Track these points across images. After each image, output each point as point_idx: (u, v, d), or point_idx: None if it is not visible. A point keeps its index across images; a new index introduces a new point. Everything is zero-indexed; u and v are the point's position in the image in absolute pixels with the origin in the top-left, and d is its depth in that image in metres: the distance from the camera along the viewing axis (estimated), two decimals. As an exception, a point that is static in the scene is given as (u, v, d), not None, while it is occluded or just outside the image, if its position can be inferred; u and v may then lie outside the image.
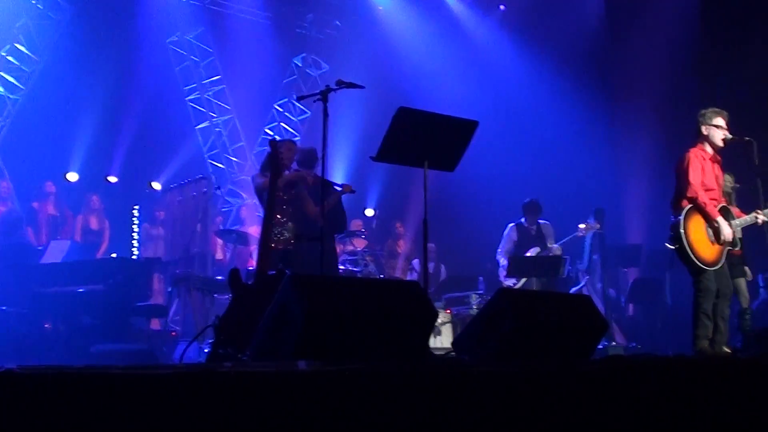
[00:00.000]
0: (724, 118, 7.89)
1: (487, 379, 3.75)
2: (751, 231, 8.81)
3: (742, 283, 8.93)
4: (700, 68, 14.28)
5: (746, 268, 9.11)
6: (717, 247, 7.64)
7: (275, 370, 3.36)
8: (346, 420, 3.28)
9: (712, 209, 7.64)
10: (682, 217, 7.54)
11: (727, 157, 8.72)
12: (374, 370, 3.50)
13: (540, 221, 11.70)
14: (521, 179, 14.00)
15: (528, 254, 11.41)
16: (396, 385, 3.47)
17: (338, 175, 14.82)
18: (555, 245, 11.56)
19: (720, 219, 7.64)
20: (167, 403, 2.97)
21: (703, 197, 7.60)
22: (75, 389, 2.88)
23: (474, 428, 3.56)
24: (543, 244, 11.53)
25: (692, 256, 7.47)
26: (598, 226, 11.76)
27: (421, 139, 6.45)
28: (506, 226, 11.81)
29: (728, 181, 9.04)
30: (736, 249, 7.85)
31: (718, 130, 7.85)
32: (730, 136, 8.02)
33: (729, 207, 7.95)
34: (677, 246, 7.55)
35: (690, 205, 7.61)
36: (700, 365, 4.90)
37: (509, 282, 11.34)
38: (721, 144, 7.87)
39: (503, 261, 11.56)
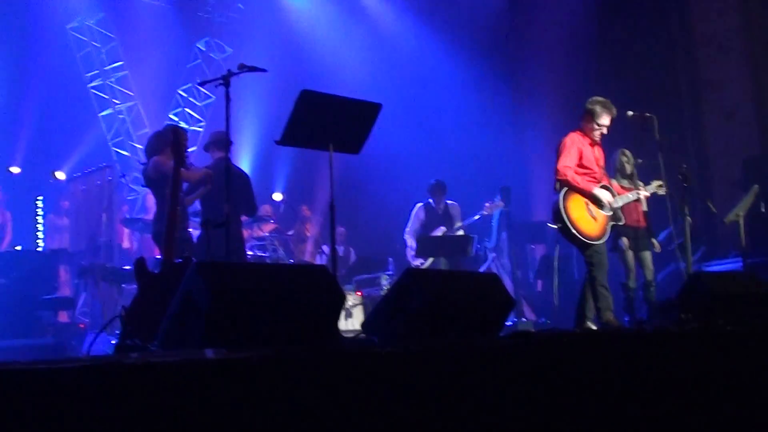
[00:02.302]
0: (610, 115, 8.15)
1: (395, 359, 3.77)
2: (656, 203, 9.07)
3: (647, 256, 9.13)
4: (601, 46, 14.53)
5: (654, 240, 9.34)
6: (600, 221, 7.89)
7: (181, 359, 3.33)
8: (255, 406, 3.28)
9: (585, 183, 7.92)
10: (560, 197, 7.77)
11: (628, 134, 8.93)
12: (282, 356, 3.49)
13: (447, 202, 11.81)
14: (427, 160, 14.09)
15: (434, 234, 11.51)
16: (304, 370, 3.48)
17: (245, 159, 14.72)
18: (461, 224, 11.68)
19: (596, 189, 7.88)
20: (73, 397, 2.93)
21: (572, 177, 7.87)
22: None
23: (384, 408, 3.58)
24: (450, 224, 11.64)
25: (575, 232, 7.67)
26: (503, 204, 11.91)
27: (325, 122, 6.46)
28: (414, 206, 11.89)
29: (628, 157, 9.23)
30: (621, 222, 8.09)
31: (599, 128, 8.14)
32: (631, 113, 8.29)
33: (610, 186, 8.18)
34: (560, 225, 7.76)
35: (566, 187, 7.88)
36: (605, 338, 5.00)
37: (417, 262, 11.44)
38: (597, 140, 8.21)
39: (411, 241, 11.65)
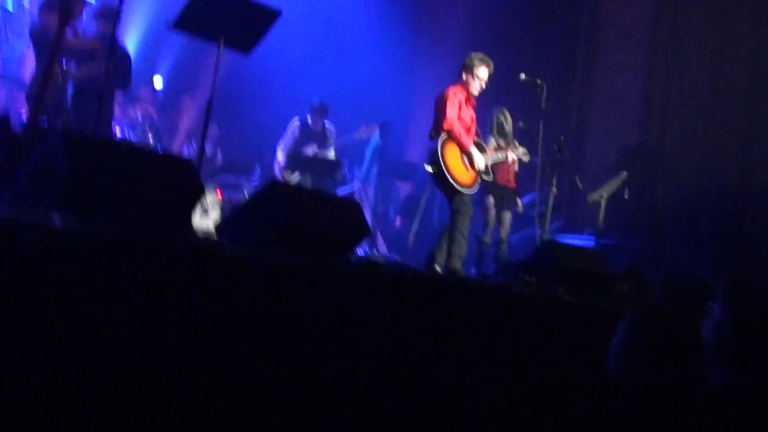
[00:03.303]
0: (488, 69, 8.33)
1: (243, 264, 3.80)
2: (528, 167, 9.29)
3: (508, 216, 9.33)
4: (508, 4, 14.60)
5: (518, 201, 9.56)
6: (472, 172, 8.08)
7: (31, 221, 3.28)
8: (93, 280, 3.26)
9: (466, 140, 8.14)
10: (439, 142, 7.92)
11: (515, 95, 9.08)
12: (130, 235, 3.48)
13: (326, 124, 11.79)
14: (314, 79, 13.95)
15: (305, 152, 11.50)
16: (150, 254, 3.47)
17: (132, 36, 14.29)
18: (334, 144, 11.72)
19: (473, 149, 8.13)
20: None
21: (457, 129, 8.06)
22: None
23: (221, 311, 3.61)
24: (323, 145, 11.64)
25: (449, 178, 7.85)
26: (377, 128, 11.95)
27: (221, 15, 6.43)
28: (290, 121, 11.83)
29: (506, 117, 9.39)
30: (489, 178, 8.30)
31: (476, 80, 8.30)
32: (523, 76, 8.48)
33: (482, 143, 8.39)
34: (435, 170, 7.92)
35: (445, 135, 7.99)
36: (446, 284, 5.13)
37: (282, 177, 11.42)
38: (475, 93, 8.37)
39: (281, 155, 11.61)
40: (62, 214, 3.82)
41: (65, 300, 3.13)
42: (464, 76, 8.29)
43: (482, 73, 8.26)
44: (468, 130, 8.25)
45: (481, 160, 8.18)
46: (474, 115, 8.43)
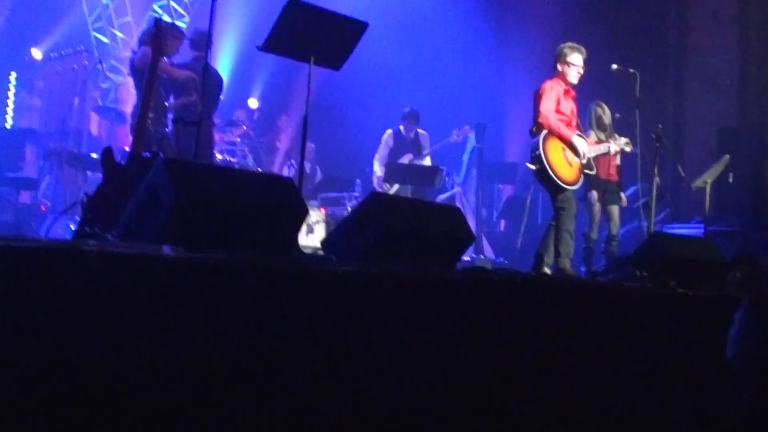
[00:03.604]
0: (581, 55, 8.20)
1: (350, 278, 3.80)
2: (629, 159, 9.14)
3: (615, 210, 9.24)
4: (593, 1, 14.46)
5: (622, 194, 9.43)
6: (575, 167, 7.95)
7: (138, 252, 3.34)
8: (206, 307, 3.30)
9: (566, 130, 7.98)
10: (540, 139, 7.82)
11: (609, 87, 8.94)
12: (237, 261, 3.51)
13: (418, 130, 11.80)
14: (406, 87, 14.00)
15: (401, 161, 11.51)
16: (259, 277, 3.50)
17: (224, 61, 14.56)
18: (428, 151, 11.70)
19: (575, 137, 7.97)
20: (26, 277, 2.93)
21: (554, 123, 7.92)
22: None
23: (332, 324, 3.62)
24: (418, 153, 11.65)
25: (552, 175, 7.74)
26: (470, 130, 11.91)
27: (309, 34, 6.42)
28: (384, 132, 11.88)
29: (604, 110, 9.28)
30: (593, 171, 8.16)
31: (572, 67, 8.19)
32: (615, 66, 8.34)
33: (582, 135, 8.24)
34: (538, 166, 7.81)
35: (546, 131, 7.87)
36: (557, 285, 5.06)
37: (381, 189, 11.46)
38: (574, 81, 8.27)
39: (378, 167, 11.66)
40: (171, 243, 3.88)
41: (182, 329, 3.18)
42: (559, 67, 8.19)
43: (576, 59, 8.16)
44: (568, 123, 8.12)
45: (584, 146, 8.03)
46: (575, 108, 8.30)
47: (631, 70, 8.80)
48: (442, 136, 12.09)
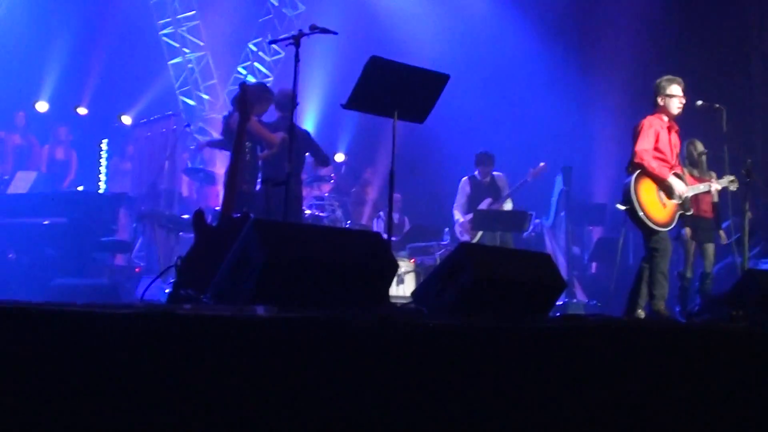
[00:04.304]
0: (679, 85, 8.02)
1: (443, 331, 3.80)
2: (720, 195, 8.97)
3: (710, 248, 9.09)
4: (672, 28, 14.33)
5: (721, 232, 9.28)
6: (669, 208, 7.79)
7: (232, 314, 3.38)
8: (301, 367, 3.32)
9: (661, 170, 7.79)
10: (632, 179, 7.68)
11: (695, 123, 8.82)
12: (331, 319, 3.53)
13: (494, 173, 11.72)
14: (491, 133, 14.01)
15: (481, 207, 11.42)
16: (353, 335, 3.51)
17: (309, 119, 14.77)
18: (508, 191, 11.60)
19: (672, 177, 7.79)
20: (125, 342, 2.99)
21: (648, 162, 7.75)
22: (33, 325, 2.89)
23: (427, 379, 3.61)
24: (497, 196, 11.56)
25: (644, 217, 7.60)
26: (545, 166, 11.78)
27: (391, 90, 6.44)
28: (460, 179, 11.85)
29: (696, 147, 9.16)
30: (689, 212, 7.99)
31: (673, 99, 8.00)
32: (700, 103, 8.17)
33: (682, 175, 8.07)
34: (628, 207, 7.68)
35: (639, 170, 7.73)
36: (652, 329, 4.97)
37: (465, 237, 11.42)
38: (676, 112, 8.04)
39: (458, 215, 11.63)
40: (264, 303, 3.93)
41: (277, 389, 3.20)
42: (659, 101, 8.01)
43: (675, 89, 7.98)
44: (667, 161, 7.94)
45: (681, 187, 7.83)
46: (678, 142, 8.16)
47: (717, 106, 8.65)
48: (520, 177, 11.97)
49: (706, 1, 14.10)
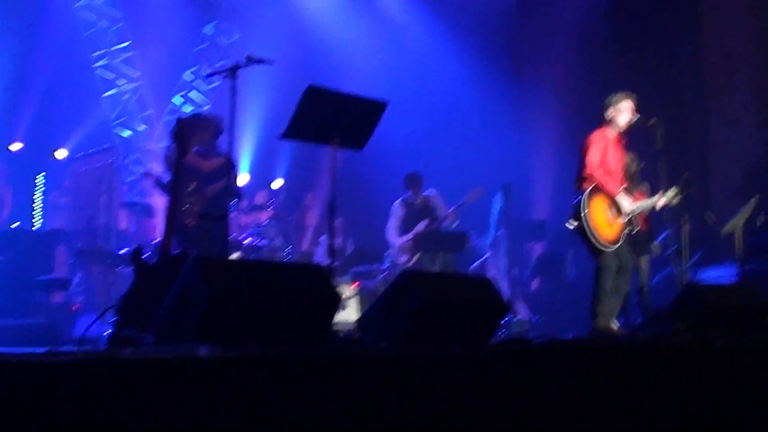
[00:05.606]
0: (632, 101, 8.08)
1: (387, 362, 3.79)
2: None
3: (644, 260, 9.13)
4: (607, 50, 14.51)
5: (655, 243, 9.37)
6: (616, 227, 7.82)
7: (174, 356, 3.35)
8: (247, 405, 3.29)
9: (611, 186, 7.84)
10: (583, 197, 7.68)
11: (630, 137, 8.92)
12: (274, 356, 3.51)
13: (426, 193, 11.67)
14: (428, 155, 14.06)
15: (417, 229, 11.37)
16: (296, 370, 3.49)
17: (246, 146, 14.72)
18: (449, 210, 11.52)
19: (620, 195, 7.84)
20: (66, 391, 2.95)
21: (599, 176, 7.79)
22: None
23: (373, 411, 3.60)
24: (432, 216, 11.51)
25: (591, 236, 7.62)
26: (482, 190, 11.73)
27: (330, 118, 6.42)
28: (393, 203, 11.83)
29: (632, 161, 9.24)
30: (635, 230, 8.03)
31: (624, 113, 8.03)
32: (636, 118, 8.21)
33: (630, 191, 8.14)
34: (577, 224, 7.70)
35: (591, 186, 7.77)
36: (596, 348, 5.01)
37: (403, 258, 11.40)
38: (624, 127, 8.06)
39: (393, 238, 11.60)
40: (208, 341, 3.90)
41: (224, 429, 3.18)
42: (609, 113, 8.04)
43: (625, 104, 8.04)
44: (616, 176, 8.00)
45: (627, 206, 7.86)
46: (625, 157, 8.23)
47: (652, 120, 8.72)
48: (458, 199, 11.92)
49: (639, 19, 14.28)
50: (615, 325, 7.91)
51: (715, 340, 5.49)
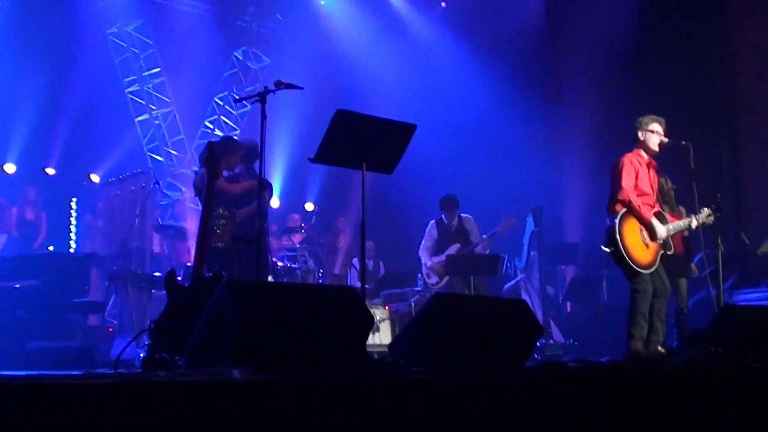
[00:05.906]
0: (660, 124, 8.08)
1: (420, 385, 3.79)
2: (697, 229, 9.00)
3: (683, 282, 9.07)
4: (639, 71, 14.45)
5: (692, 266, 9.30)
6: (651, 249, 7.78)
7: (208, 379, 3.36)
8: (279, 427, 3.30)
9: (645, 211, 7.81)
10: (617, 221, 7.64)
11: (663, 160, 8.88)
12: (308, 379, 3.51)
13: (462, 216, 11.65)
14: (460, 178, 14.03)
15: (449, 251, 11.37)
16: (330, 393, 3.50)
17: (278, 169, 14.78)
18: (483, 237, 11.53)
19: (654, 220, 7.80)
20: (101, 412, 2.97)
21: (635, 200, 7.76)
22: (7, 398, 2.86)
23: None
24: (465, 240, 11.49)
25: (627, 259, 7.58)
26: (515, 221, 11.74)
27: (359, 142, 6.44)
28: (428, 223, 11.82)
29: (664, 183, 9.18)
30: (671, 251, 7.98)
31: (653, 135, 8.02)
32: (666, 140, 8.16)
33: (663, 212, 8.09)
34: (612, 249, 7.65)
35: (624, 209, 7.74)
36: (632, 371, 4.98)
37: (433, 279, 11.37)
38: (656, 149, 8.05)
39: (425, 258, 11.58)
40: (240, 364, 3.91)
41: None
42: (640, 135, 8.04)
43: (655, 126, 8.03)
44: (648, 199, 7.96)
45: (662, 230, 7.84)
46: (655, 180, 8.16)
47: (683, 143, 8.68)
48: (498, 223, 11.93)
49: (668, 40, 14.23)
50: (662, 349, 7.84)
51: (752, 363, 5.43)
